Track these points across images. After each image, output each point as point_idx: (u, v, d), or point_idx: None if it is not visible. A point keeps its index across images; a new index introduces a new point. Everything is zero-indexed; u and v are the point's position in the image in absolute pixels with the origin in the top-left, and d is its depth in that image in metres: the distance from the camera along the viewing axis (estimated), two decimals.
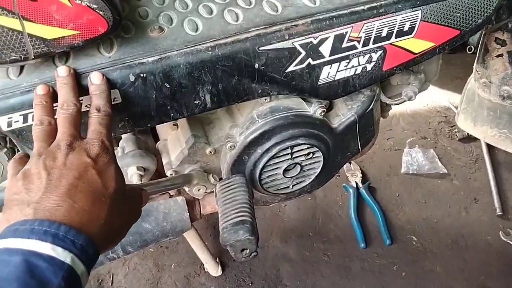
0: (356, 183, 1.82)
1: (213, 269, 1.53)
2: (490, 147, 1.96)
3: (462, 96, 1.45)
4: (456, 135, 2.08)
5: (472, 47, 2.30)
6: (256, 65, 0.81)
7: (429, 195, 1.82)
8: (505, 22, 1.09)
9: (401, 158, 1.94)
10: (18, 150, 1.10)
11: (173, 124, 1.00)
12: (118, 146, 1.03)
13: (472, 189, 1.84)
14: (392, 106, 1.28)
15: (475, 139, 2.03)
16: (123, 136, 1.03)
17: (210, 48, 0.77)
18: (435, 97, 2.27)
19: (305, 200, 1.80)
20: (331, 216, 1.74)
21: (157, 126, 1.07)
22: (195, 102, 0.82)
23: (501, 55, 1.21)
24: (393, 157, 1.97)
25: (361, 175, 1.85)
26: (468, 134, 2.03)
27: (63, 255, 0.48)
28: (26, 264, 0.45)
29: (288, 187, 1.03)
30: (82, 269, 0.50)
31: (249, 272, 1.56)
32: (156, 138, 1.09)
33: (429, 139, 2.07)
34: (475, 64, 1.34)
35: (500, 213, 1.71)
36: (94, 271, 1.24)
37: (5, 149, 1.08)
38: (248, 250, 0.74)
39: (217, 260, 1.55)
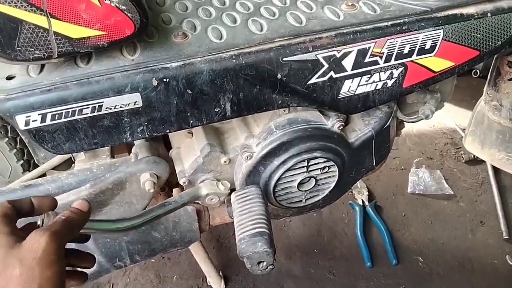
0: (363, 201, 1.80)
1: (216, 283, 1.50)
2: (496, 171, 1.96)
3: (470, 118, 1.44)
4: (462, 157, 2.08)
5: (477, 70, 2.32)
6: (279, 76, 0.80)
7: (435, 216, 1.80)
8: None
9: (407, 178, 1.93)
10: (28, 151, 1.09)
11: (188, 132, 0.99)
12: (130, 152, 1.01)
13: (478, 211, 1.82)
14: (404, 125, 1.28)
15: (481, 161, 2.03)
16: (136, 142, 1.02)
17: (234, 56, 0.76)
18: (441, 118, 2.27)
19: (310, 216, 1.77)
20: (337, 234, 1.72)
21: (170, 134, 1.06)
22: (215, 110, 0.81)
23: None
24: (399, 176, 1.96)
25: (367, 193, 1.84)
26: (474, 156, 2.02)
27: None
28: None
29: (301, 200, 1.01)
30: None
31: None
32: (167, 146, 1.07)
33: (435, 160, 2.07)
34: (485, 86, 1.34)
35: (506, 237, 1.69)
36: (94, 280, 1.20)
37: (15, 150, 1.07)
38: (265, 263, 0.72)
39: (220, 273, 1.52)
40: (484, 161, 2.02)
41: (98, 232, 0.77)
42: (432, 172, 1.94)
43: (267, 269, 0.73)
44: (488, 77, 1.32)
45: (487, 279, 1.57)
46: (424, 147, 2.14)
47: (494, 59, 1.25)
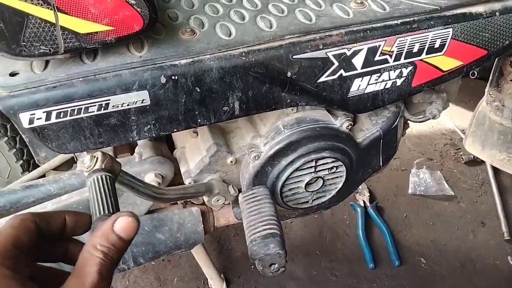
0: (364, 202, 1.79)
1: (217, 285, 1.48)
2: (496, 171, 1.96)
3: (471, 119, 1.44)
4: (462, 158, 2.07)
5: (475, 72, 2.33)
6: (289, 74, 0.79)
7: (436, 217, 1.79)
8: None
9: (407, 179, 1.93)
10: (28, 151, 1.06)
11: (193, 132, 0.97)
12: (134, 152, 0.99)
13: (479, 212, 1.82)
14: (409, 125, 1.28)
15: (480, 162, 2.03)
16: (139, 142, 1.00)
17: (243, 54, 0.75)
18: (439, 119, 2.27)
19: (312, 218, 1.76)
20: (339, 235, 1.71)
21: (173, 133, 1.04)
22: (223, 108, 0.79)
23: None
24: (400, 177, 1.96)
25: (368, 194, 1.83)
26: (474, 157, 2.02)
27: None
28: None
29: (308, 201, 1.00)
30: None
31: None
32: (169, 146, 1.05)
33: (435, 160, 2.06)
34: (487, 87, 1.33)
35: (508, 238, 1.69)
36: None
37: (15, 150, 1.04)
38: (277, 265, 0.71)
39: (222, 276, 1.50)
40: (483, 162, 2.02)
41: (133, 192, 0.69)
42: (433, 173, 1.94)
43: (278, 271, 0.71)
44: (490, 78, 1.31)
45: (489, 280, 1.56)
46: (424, 148, 2.14)
47: (496, 59, 1.24)
